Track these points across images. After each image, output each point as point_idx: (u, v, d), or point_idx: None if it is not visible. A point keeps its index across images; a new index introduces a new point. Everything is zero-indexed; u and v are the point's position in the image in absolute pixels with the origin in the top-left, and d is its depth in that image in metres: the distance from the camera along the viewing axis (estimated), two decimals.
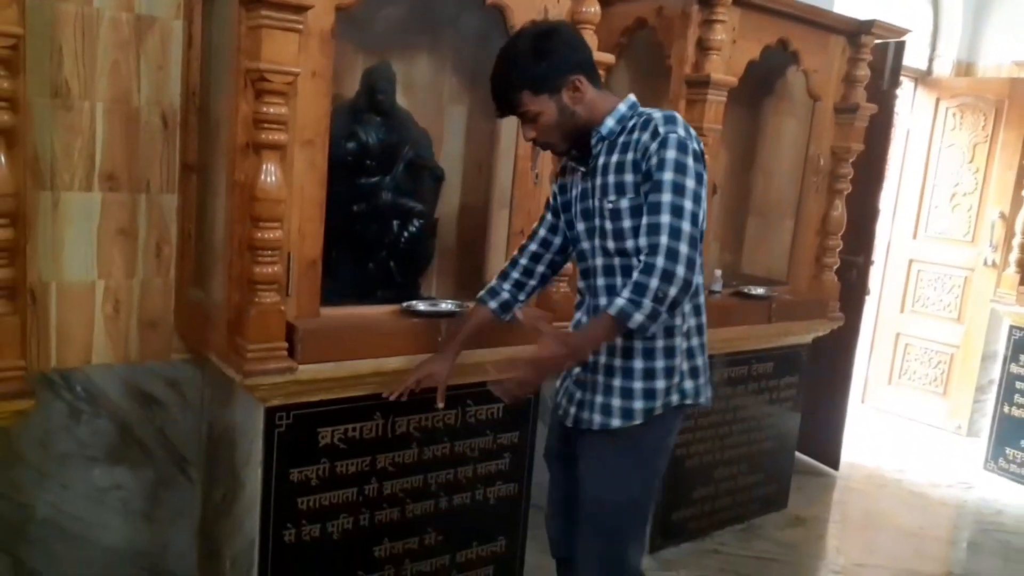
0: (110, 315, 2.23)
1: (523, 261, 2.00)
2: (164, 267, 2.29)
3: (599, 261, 1.80)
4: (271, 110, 1.80)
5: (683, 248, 1.60)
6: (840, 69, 3.16)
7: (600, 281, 1.81)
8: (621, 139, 1.74)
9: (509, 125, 2.37)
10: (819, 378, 3.79)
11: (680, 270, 1.60)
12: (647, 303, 1.60)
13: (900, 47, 3.58)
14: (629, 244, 1.72)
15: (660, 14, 2.74)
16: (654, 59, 2.84)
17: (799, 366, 3.38)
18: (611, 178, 1.73)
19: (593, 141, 1.77)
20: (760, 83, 3.39)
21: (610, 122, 1.75)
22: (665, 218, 1.62)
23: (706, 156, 1.75)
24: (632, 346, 1.77)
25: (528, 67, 1.71)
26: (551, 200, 1.98)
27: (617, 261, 1.77)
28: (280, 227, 1.87)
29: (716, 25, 2.60)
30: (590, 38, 2.28)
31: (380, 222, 2.39)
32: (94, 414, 2.24)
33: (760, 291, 3.06)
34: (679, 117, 1.71)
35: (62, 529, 2.24)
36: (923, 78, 4.81)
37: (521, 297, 2.02)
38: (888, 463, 4.24)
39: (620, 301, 1.62)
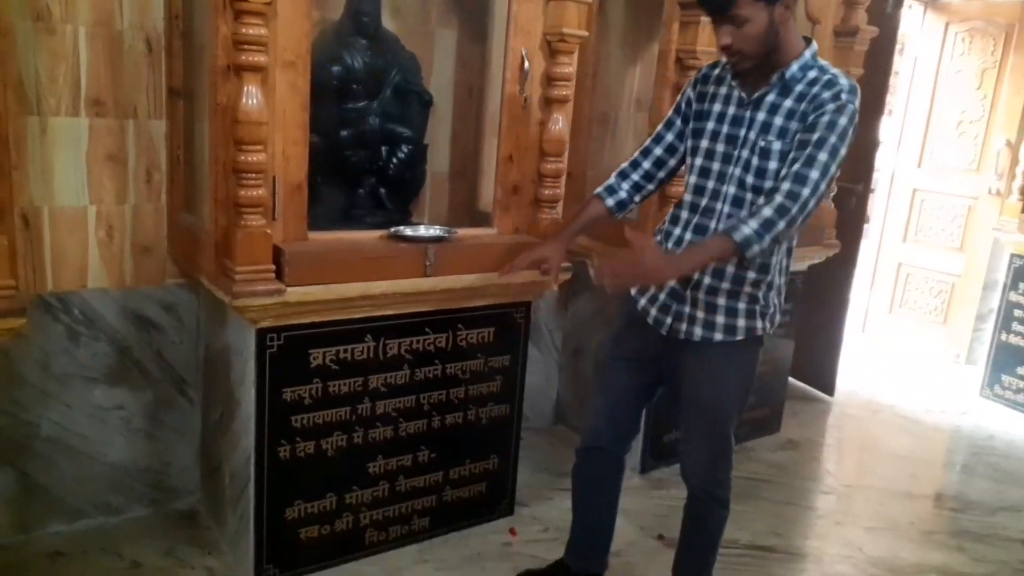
0: (103, 240, 2.26)
1: (646, 165, 2.06)
2: (155, 193, 2.31)
3: (731, 189, 1.86)
4: (250, 31, 1.79)
5: (812, 204, 1.73)
6: None
7: (726, 208, 1.86)
8: (798, 87, 1.79)
9: (498, 48, 2.35)
10: (816, 305, 3.82)
11: (802, 223, 1.75)
12: (768, 240, 1.70)
13: None
14: (767, 184, 1.80)
15: None
16: None
17: (794, 293, 3.39)
18: (778, 119, 1.80)
19: (774, 78, 1.80)
20: None
21: (795, 66, 1.80)
22: (815, 174, 1.71)
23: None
24: (744, 275, 1.86)
25: None
26: (682, 105, 2.00)
27: (749, 196, 1.84)
28: (263, 150, 1.88)
29: None
30: None
31: (368, 148, 2.39)
32: (92, 337, 2.30)
33: None
34: (859, 90, 1.80)
35: (67, 446, 2.32)
36: (933, 2, 4.68)
37: (636, 199, 2.10)
38: (885, 390, 4.29)
39: (747, 230, 1.69)
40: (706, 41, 2.61)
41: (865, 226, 4.04)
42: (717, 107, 1.90)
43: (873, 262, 5.10)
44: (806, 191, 1.70)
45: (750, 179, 1.83)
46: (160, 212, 2.33)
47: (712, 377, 1.96)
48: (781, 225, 1.70)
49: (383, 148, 2.41)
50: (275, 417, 2.11)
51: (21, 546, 2.28)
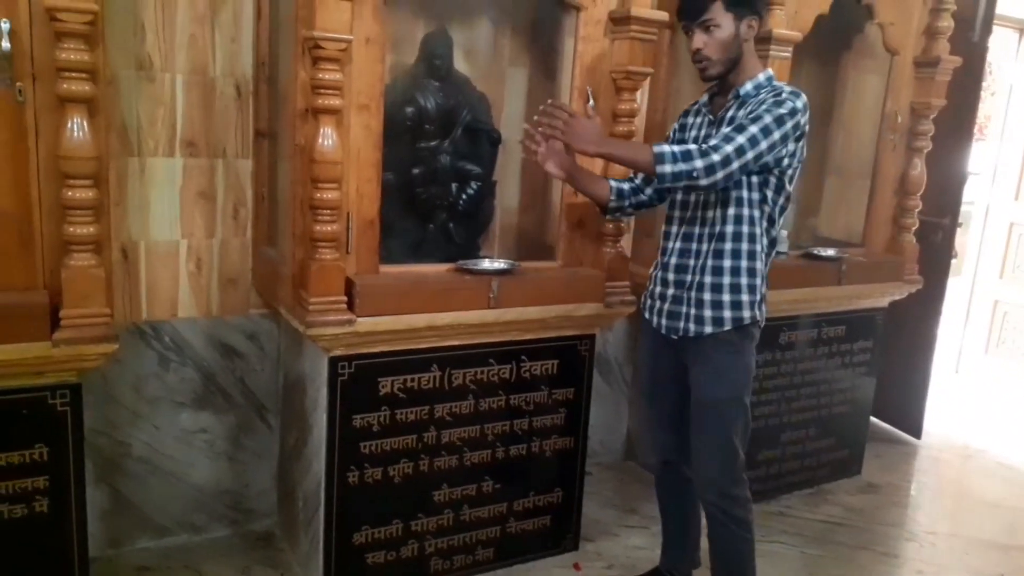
0: (193, 272, 2.42)
1: (637, 180, 2.25)
2: (241, 228, 2.46)
3: (710, 197, 2.05)
4: (326, 76, 1.91)
5: (735, 165, 1.88)
6: (921, 20, 3.02)
7: (709, 213, 2.06)
8: (751, 102, 2.00)
9: (566, 86, 2.40)
10: (901, 344, 3.69)
11: (719, 179, 1.88)
12: (680, 167, 1.87)
13: None
14: (733, 193, 2.01)
15: None
16: None
17: (874, 330, 3.29)
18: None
19: (730, 96, 2.06)
20: (837, 38, 3.28)
21: (749, 86, 2.03)
22: (740, 138, 1.88)
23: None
24: (721, 265, 2.05)
25: None
26: (671, 135, 2.25)
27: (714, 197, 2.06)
28: (338, 188, 1.99)
29: None
30: None
31: (439, 185, 2.47)
32: (181, 363, 2.45)
33: (829, 252, 2.99)
34: (804, 97, 1.99)
35: (155, 466, 2.47)
36: None
37: (632, 200, 2.24)
38: (978, 434, 4.07)
39: (667, 149, 1.89)
40: (776, 75, 2.60)
41: (955, 262, 3.88)
42: (694, 133, 2.16)
43: (967, 299, 4.88)
44: (728, 148, 1.86)
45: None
46: (245, 246, 2.48)
47: (710, 372, 2.09)
48: (697, 163, 1.86)
49: (453, 185, 2.49)
50: (345, 443, 2.19)
51: (112, 560, 2.42)
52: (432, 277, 2.22)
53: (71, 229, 1.74)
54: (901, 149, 3.15)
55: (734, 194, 2.02)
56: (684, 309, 2.10)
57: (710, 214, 2.06)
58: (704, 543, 2.28)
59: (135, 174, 2.29)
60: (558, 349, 2.45)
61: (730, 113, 2.04)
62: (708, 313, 2.06)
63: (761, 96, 1.99)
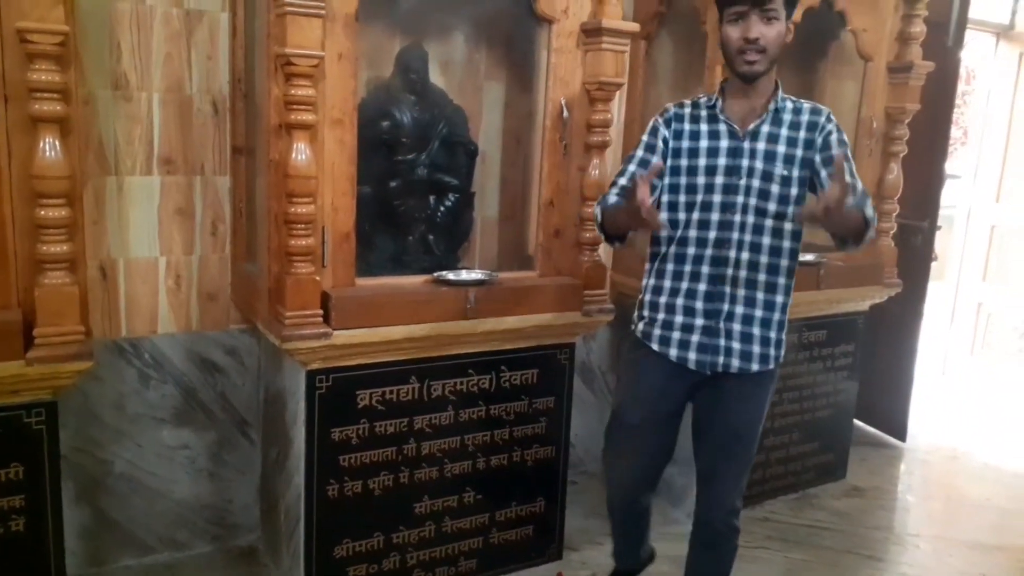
0: (172, 288, 2.43)
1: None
2: (220, 244, 2.47)
3: (749, 219, 1.90)
4: (299, 92, 1.92)
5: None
6: (893, 27, 3.06)
7: (746, 236, 1.90)
8: (786, 116, 1.91)
9: (541, 98, 2.42)
10: (884, 347, 3.71)
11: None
12: (872, 231, 1.80)
13: (965, 0, 3.42)
14: (771, 206, 1.89)
15: None
16: (692, 26, 2.84)
17: (856, 334, 3.31)
18: (780, 148, 1.89)
19: (772, 107, 1.90)
20: (814, 45, 3.31)
21: (787, 104, 1.92)
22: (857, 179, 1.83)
23: None
24: (774, 300, 1.95)
25: None
26: (659, 145, 1.97)
27: (770, 223, 1.90)
28: (312, 202, 2.00)
29: None
30: (614, 8, 2.31)
31: (417, 197, 2.50)
32: (161, 379, 2.45)
33: (808, 257, 3.00)
34: None
35: (138, 483, 2.47)
36: (1005, 32, 4.56)
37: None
38: (964, 436, 4.09)
39: (869, 211, 1.76)
40: None
41: (938, 264, 3.90)
42: (705, 143, 1.93)
43: (952, 302, 4.91)
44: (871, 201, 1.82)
45: (771, 206, 1.89)
46: (224, 262, 2.49)
47: (746, 404, 2.00)
48: (874, 221, 1.80)
49: (431, 197, 2.52)
50: (323, 457, 2.19)
51: None
52: (409, 289, 2.24)
53: (44, 248, 1.75)
54: (877, 154, 3.18)
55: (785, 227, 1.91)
56: (725, 343, 1.94)
57: (747, 237, 1.91)
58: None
59: (113, 192, 2.30)
60: (538, 358, 2.46)
61: (765, 128, 1.89)
62: (757, 350, 1.94)
63: (806, 118, 1.89)
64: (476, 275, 2.30)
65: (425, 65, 2.46)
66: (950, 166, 4.54)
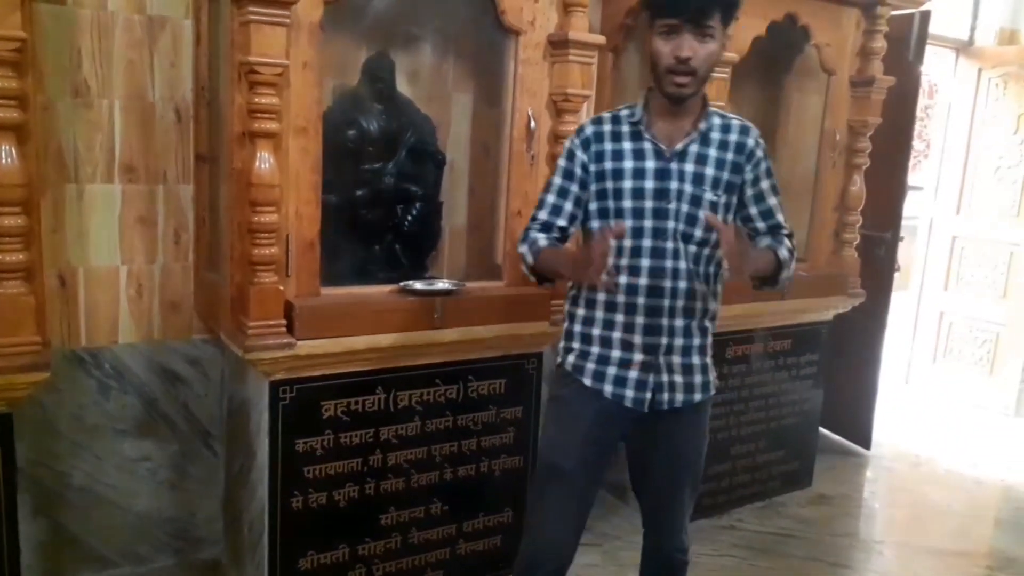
0: (134, 297, 2.39)
1: (560, 223, 1.85)
2: (183, 252, 2.44)
3: (680, 245, 1.76)
4: (262, 100, 1.91)
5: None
6: (855, 42, 3.11)
7: (680, 263, 1.76)
8: (714, 135, 1.78)
9: (509, 109, 2.43)
10: (848, 356, 3.76)
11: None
12: (791, 271, 1.82)
13: (925, 16, 3.50)
14: (697, 232, 1.76)
15: None
16: None
17: (820, 343, 3.35)
18: (708, 170, 1.77)
19: (702, 126, 1.76)
20: (780, 59, 3.37)
21: (716, 120, 1.80)
22: (782, 215, 1.87)
23: None
24: (705, 327, 1.85)
25: None
26: (576, 171, 1.82)
27: (694, 249, 1.78)
28: (276, 211, 1.99)
29: None
30: (580, 20, 2.33)
31: (384, 206, 2.48)
32: (122, 390, 2.41)
33: None
34: None
35: (97, 496, 2.42)
36: (964, 48, 4.66)
37: None
38: (927, 443, 4.15)
39: (784, 253, 1.79)
40: (713, 96, 2.65)
41: (901, 275, 3.97)
42: (630, 164, 1.77)
43: (914, 311, 5.00)
44: (791, 231, 1.87)
45: (698, 232, 1.77)
46: (187, 270, 2.46)
47: (693, 436, 1.90)
48: (793, 263, 1.81)
49: (398, 206, 2.50)
50: (288, 468, 2.17)
51: None
52: (375, 298, 2.22)
53: (0, 256, 1.72)
54: (840, 166, 3.23)
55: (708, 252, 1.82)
56: (668, 377, 1.81)
57: (680, 264, 1.78)
58: None
59: (73, 200, 2.27)
60: (505, 368, 2.46)
61: (694, 148, 1.76)
62: (699, 379, 1.85)
63: (733, 138, 1.79)
64: (443, 285, 2.29)
65: (392, 74, 2.46)
66: (914, 178, 4.65)
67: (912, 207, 4.28)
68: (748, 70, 3.12)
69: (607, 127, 1.82)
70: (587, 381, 1.84)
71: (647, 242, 1.76)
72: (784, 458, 3.35)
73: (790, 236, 1.86)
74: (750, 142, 1.81)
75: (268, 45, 1.88)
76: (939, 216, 4.86)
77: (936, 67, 5.12)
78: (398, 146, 2.50)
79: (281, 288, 2.03)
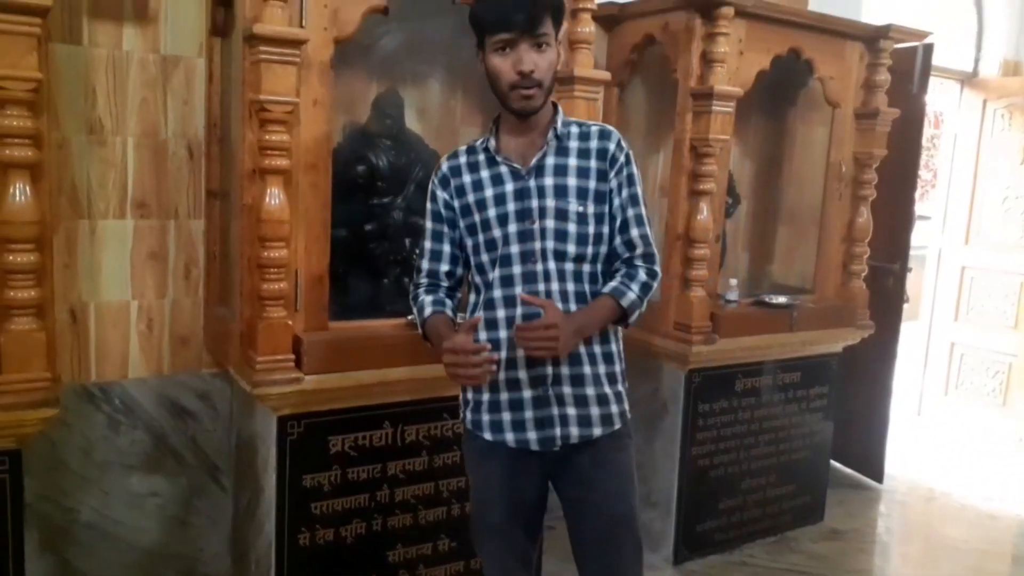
0: (144, 332, 2.40)
1: (444, 268, 1.83)
2: (193, 287, 2.46)
3: (551, 265, 1.69)
4: (273, 137, 1.94)
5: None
6: (859, 75, 3.14)
7: (552, 285, 1.69)
8: (572, 143, 1.72)
9: None
10: (860, 388, 3.74)
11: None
12: (645, 303, 1.75)
13: (928, 49, 3.53)
14: (570, 248, 1.69)
15: (666, 29, 2.80)
16: (664, 73, 2.91)
17: (830, 375, 3.33)
18: (571, 181, 1.70)
19: (551, 136, 1.70)
20: (783, 92, 3.40)
21: (559, 123, 1.72)
22: (647, 228, 1.76)
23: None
24: (595, 352, 1.73)
25: None
26: (442, 212, 1.79)
27: (571, 267, 1.71)
28: (285, 246, 2.01)
29: (719, 38, 2.64)
30: (586, 57, 2.36)
31: (392, 240, 2.50)
32: (131, 425, 2.41)
33: (781, 299, 3.05)
34: None
35: (104, 532, 2.41)
36: (969, 80, 4.69)
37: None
38: (941, 477, 4.10)
39: (631, 295, 1.70)
40: (718, 129, 2.69)
41: (911, 305, 3.96)
42: (490, 191, 1.71)
43: (925, 342, 4.97)
44: (653, 247, 1.77)
45: (571, 248, 1.70)
46: (197, 305, 2.47)
47: (609, 473, 1.75)
48: (654, 285, 1.75)
49: (406, 240, 2.52)
50: (295, 504, 2.16)
51: None
52: (383, 332, 2.23)
53: (11, 293, 1.74)
54: (847, 198, 3.24)
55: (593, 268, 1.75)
56: (559, 411, 1.71)
57: (554, 286, 1.70)
58: None
59: (85, 236, 2.29)
60: None
61: (550, 160, 1.69)
62: (596, 411, 1.73)
63: (595, 145, 1.71)
64: None
65: (401, 110, 2.49)
66: (921, 208, 4.65)
67: (920, 237, 4.28)
68: (753, 104, 3.16)
69: (463, 159, 1.78)
70: (488, 436, 1.76)
71: (517, 268, 1.70)
72: (795, 492, 3.31)
73: (647, 256, 1.74)
74: (611, 146, 1.72)
75: (278, 83, 1.92)
76: (948, 246, 4.85)
77: (941, 97, 5.15)
78: (407, 181, 2.52)
79: (290, 323, 2.04)
